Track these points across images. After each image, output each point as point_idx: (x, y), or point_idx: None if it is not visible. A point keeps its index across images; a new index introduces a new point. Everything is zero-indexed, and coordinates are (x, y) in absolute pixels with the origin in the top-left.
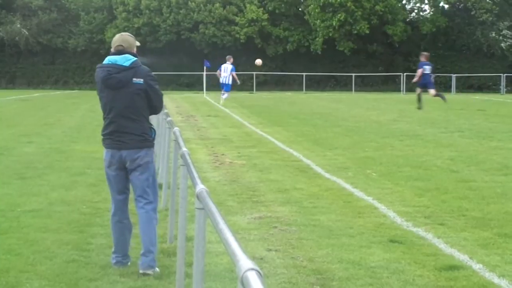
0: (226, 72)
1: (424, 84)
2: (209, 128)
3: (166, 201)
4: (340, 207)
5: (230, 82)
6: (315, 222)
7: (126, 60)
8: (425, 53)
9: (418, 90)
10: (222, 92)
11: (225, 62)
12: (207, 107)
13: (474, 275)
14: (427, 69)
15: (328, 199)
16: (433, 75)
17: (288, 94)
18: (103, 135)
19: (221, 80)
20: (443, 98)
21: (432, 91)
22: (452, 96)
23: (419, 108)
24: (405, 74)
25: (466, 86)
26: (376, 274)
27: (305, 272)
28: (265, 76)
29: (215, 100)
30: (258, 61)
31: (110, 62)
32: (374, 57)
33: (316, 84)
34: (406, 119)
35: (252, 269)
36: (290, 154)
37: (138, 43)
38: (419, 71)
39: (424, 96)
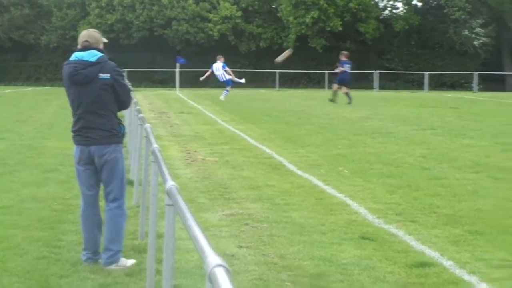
0: (218, 70)
1: (342, 81)
2: (181, 125)
3: (138, 198)
4: (312, 204)
5: (226, 78)
6: (287, 219)
7: (92, 55)
8: (344, 52)
9: (335, 86)
10: (227, 89)
11: (215, 62)
12: (180, 104)
13: (445, 272)
14: (347, 67)
15: (300, 196)
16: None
17: (262, 91)
18: (72, 131)
19: (219, 79)
20: (349, 98)
21: (345, 89)
22: (425, 94)
23: (333, 101)
24: (378, 71)
25: (439, 84)
26: (347, 271)
27: (276, 269)
28: (238, 73)
29: (188, 97)
30: (286, 54)
31: (76, 58)
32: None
33: (289, 81)
34: (379, 116)
35: (220, 265)
36: (262, 151)
37: (105, 40)
38: (340, 69)
39: (362, 94)
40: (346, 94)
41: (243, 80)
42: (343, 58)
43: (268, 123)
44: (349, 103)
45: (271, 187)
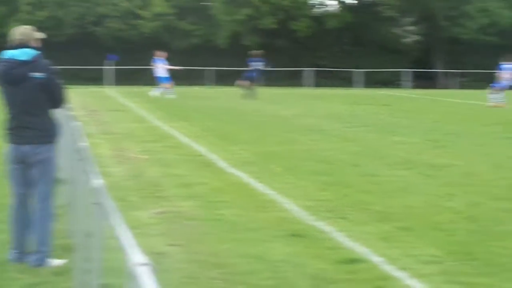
0: (157, 66)
1: (250, 78)
2: (113, 123)
3: (66, 196)
4: (243, 202)
5: (158, 75)
6: (218, 217)
7: (24, 54)
8: (254, 51)
9: (245, 83)
10: (162, 87)
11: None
12: (112, 102)
13: (375, 268)
14: (258, 65)
15: (232, 193)
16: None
17: (195, 88)
18: (6, 130)
19: (155, 73)
20: (249, 94)
21: (246, 83)
22: (358, 91)
23: (254, 98)
24: (311, 69)
25: (371, 81)
26: (278, 268)
27: (207, 267)
28: (172, 71)
29: (120, 95)
30: None
31: (8, 57)
32: (280, 52)
33: (223, 79)
34: (312, 114)
35: (144, 264)
36: (194, 148)
37: (41, 35)
38: (240, 83)
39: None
40: (247, 88)
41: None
42: (253, 57)
43: (201, 120)
44: (249, 98)
45: (203, 185)
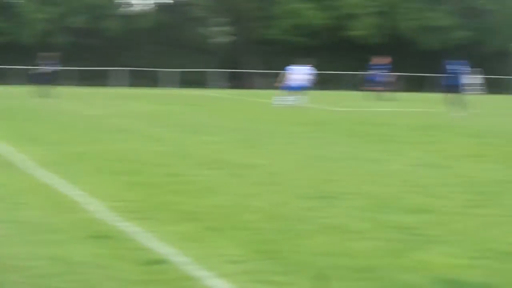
0: None
1: (43, 79)
2: None
3: None
4: (46, 203)
5: None
6: (20, 219)
7: None
8: (46, 53)
9: (37, 82)
10: None
11: None
12: None
13: (179, 268)
14: (51, 65)
15: (35, 195)
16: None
17: (2, 88)
18: None
19: None
20: (43, 94)
21: (38, 83)
22: (170, 91)
23: (48, 98)
24: (123, 69)
25: (185, 82)
26: (81, 270)
27: (6, 270)
28: None
29: None
30: None
31: None
32: (91, 51)
33: (29, 78)
34: (121, 114)
35: None
36: None
37: None
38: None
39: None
40: (40, 88)
41: None
42: (48, 59)
43: (6, 120)
44: (44, 97)
45: (4, 186)
